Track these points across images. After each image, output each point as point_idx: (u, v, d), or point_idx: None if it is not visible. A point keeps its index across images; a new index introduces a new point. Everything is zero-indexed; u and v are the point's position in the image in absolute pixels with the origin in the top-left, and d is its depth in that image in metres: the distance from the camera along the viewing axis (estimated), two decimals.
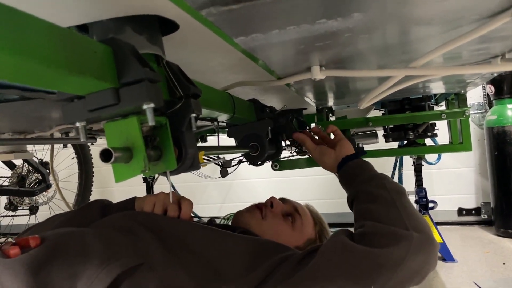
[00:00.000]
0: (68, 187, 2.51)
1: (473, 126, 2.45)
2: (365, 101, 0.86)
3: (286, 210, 1.14)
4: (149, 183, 2.27)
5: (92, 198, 2.62)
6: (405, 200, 0.84)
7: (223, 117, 0.98)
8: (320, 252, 0.79)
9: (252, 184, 2.89)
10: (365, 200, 0.85)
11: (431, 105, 1.35)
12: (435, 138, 1.46)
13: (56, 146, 2.45)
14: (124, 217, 0.85)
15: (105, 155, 0.41)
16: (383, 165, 2.42)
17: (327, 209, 2.78)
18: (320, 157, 1.04)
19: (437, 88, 1.13)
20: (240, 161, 1.37)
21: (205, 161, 1.06)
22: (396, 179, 1.93)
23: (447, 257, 1.75)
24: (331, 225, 2.72)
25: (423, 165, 1.88)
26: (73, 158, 2.51)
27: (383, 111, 1.43)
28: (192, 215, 0.98)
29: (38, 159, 2.27)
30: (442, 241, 1.77)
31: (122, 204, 1.00)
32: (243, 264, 0.82)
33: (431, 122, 1.34)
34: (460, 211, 2.53)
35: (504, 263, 1.66)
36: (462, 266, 1.66)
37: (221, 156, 1.23)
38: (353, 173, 0.94)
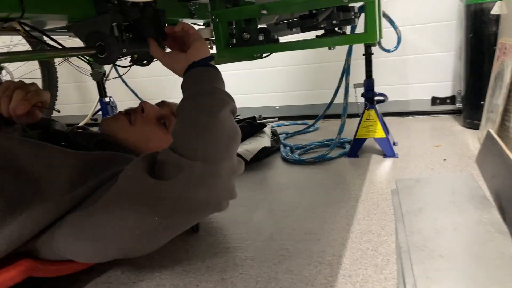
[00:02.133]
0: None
1: (458, 3, 2.12)
2: None
3: (161, 113, 1.08)
4: (98, 83, 2.19)
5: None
6: (215, 121, 0.76)
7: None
8: (120, 177, 0.75)
9: (223, 76, 2.75)
10: (179, 119, 0.80)
11: None
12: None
13: (8, 42, 2.35)
14: None
15: None
16: (338, 56, 2.21)
17: (298, 101, 2.67)
18: (171, 66, 0.94)
19: None
20: (130, 65, 1.25)
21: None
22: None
23: (387, 152, 1.66)
24: (303, 117, 2.67)
25: (373, 53, 1.67)
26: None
27: None
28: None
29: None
30: (384, 136, 1.66)
31: None
32: (68, 180, 0.78)
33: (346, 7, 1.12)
34: (434, 100, 2.35)
35: (444, 159, 1.56)
36: (399, 162, 1.58)
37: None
38: (187, 83, 0.86)
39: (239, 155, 1.68)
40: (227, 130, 0.76)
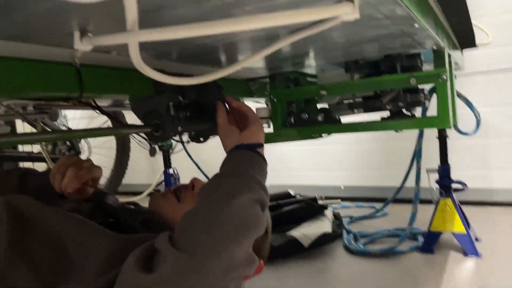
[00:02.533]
0: (106, 153, 2.66)
1: None
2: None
3: None
4: (164, 153, 2.26)
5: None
6: (226, 207, 0.67)
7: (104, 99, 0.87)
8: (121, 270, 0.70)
9: (285, 152, 2.72)
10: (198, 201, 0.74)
11: (419, 64, 1.05)
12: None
13: (90, 113, 2.58)
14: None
15: None
16: (408, 136, 2.07)
17: (365, 182, 2.51)
18: (224, 138, 0.90)
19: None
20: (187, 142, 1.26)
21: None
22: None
23: (469, 250, 1.42)
24: (370, 200, 2.49)
25: (448, 137, 1.53)
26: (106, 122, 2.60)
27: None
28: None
29: (67, 127, 2.41)
30: (464, 231, 1.44)
31: (41, 174, 0.99)
32: (100, 264, 0.74)
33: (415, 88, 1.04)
34: None
35: None
36: (482, 264, 1.34)
37: None
38: (225, 163, 0.81)
39: (295, 240, 1.57)
40: (238, 219, 0.66)
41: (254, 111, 1.23)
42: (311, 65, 1.11)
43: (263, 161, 0.82)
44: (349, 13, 0.45)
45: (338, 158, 2.57)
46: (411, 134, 1.76)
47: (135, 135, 2.05)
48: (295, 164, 2.67)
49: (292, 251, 1.56)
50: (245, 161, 0.79)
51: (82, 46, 0.51)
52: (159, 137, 0.93)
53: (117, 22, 0.48)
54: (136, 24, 0.40)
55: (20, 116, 1.10)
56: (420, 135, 1.59)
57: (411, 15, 0.56)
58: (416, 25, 0.63)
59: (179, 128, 0.96)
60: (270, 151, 3.13)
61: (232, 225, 0.65)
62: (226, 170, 0.78)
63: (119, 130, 0.96)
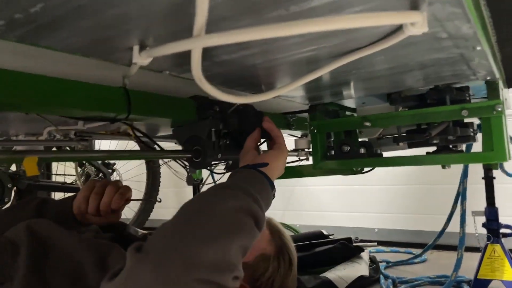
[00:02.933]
0: (136, 186, 2.67)
1: None
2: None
3: None
4: (195, 186, 2.25)
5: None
6: (202, 210, 0.65)
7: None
8: None
9: (316, 191, 2.66)
10: None
11: (466, 98, 1.01)
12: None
13: (125, 146, 2.63)
14: (19, 228, 0.82)
15: None
16: (448, 178, 1.98)
17: (401, 225, 2.40)
18: (240, 159, 0.89)
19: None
20: (224, 172, 1.24)
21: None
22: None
23: None
24: (407, 245, 2.36)
25: (494, 178, 1.45)
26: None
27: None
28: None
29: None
30: None
31: (61, 201, 0.97)
32: None
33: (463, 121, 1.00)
34: None
35: None
36: None
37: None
38: (230, 175, 0.79)
39: (330, 282, 1.48)
40: (205, 221, 0.62)
41: (293, 143, 1.20)
42: (352, 95, 1.09)
43: (263, 177, 0.78)
44: (418, 23, 0.44)
45: (373, 199, 2.48)
46: (450, 176, 1.68)
47: (170, 164, 2.05)
48: (327, 205, 2.59)
49: None
50: (240, 177, 0.77)
51: (141, 59, 0.51)
52: (199, 163, 0.92)
53: (178, 34, 0.48)
54: (203, 29, 0.39)
55: (62, 136, 1.11)
56: (465, 175, 1.52)
57: (476, 34, 0.53)
58: (478, 48, 0.60)
59: (219, 155, 0.95)
60: (303, 190, 3.05)
61: (197, 226, 0.62)
62: (217, 184, 0.76)
63: (161, 154, 0.95)
